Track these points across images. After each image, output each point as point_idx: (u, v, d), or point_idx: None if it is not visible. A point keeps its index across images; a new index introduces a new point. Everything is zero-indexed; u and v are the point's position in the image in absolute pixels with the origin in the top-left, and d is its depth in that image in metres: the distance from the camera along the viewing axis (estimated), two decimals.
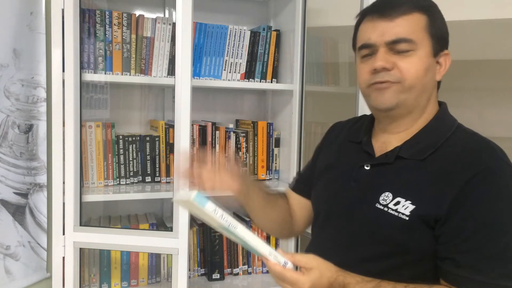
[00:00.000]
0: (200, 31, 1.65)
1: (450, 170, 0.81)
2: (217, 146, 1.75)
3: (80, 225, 1.42)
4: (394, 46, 0.85)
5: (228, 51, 1.69)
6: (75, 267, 1.41)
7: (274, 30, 1.77)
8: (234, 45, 1.70)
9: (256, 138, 1.81)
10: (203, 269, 1.76)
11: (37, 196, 1.47)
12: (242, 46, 1.71)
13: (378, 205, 0.86)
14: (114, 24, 1.52)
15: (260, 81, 1.76)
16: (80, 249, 1.44)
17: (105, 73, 1.53)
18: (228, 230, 0.81)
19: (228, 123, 1.81)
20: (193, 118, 1.39)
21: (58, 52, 1.35)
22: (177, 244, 1.37)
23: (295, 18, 1.70)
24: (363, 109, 1.47)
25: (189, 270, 1.67)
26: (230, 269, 1.79)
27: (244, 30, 1.71)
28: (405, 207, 0.82)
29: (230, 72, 1.71)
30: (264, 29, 1.74)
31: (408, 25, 0.84)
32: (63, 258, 1.40)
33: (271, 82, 1.78)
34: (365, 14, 0.90)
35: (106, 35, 1.52)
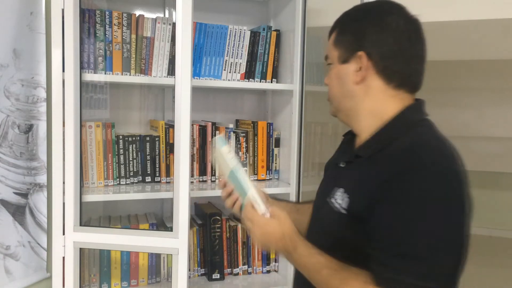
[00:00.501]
0: (200, 31, 1.65)
1: (378, 169, 0.83)
2: None
3: (80, 225, 1.42)
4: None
5: (228, 51, 1.69)
6: (75, 267, 1.41)
7: (274, 30, 1.77)
8: (234, 45, 1.70)
9: (256, 138, 1.82)
10: (203, 269, 1.76)
11: (37, 196, 1.47)
12: (242, 46, 1.71)
13: (328, 199, 0.93)
14: (114, 24, 1.52)
15: (260, 81, 1.76)
16: (80, 249, 1.44)
17: (105, 73, 1.53)
18: (232, 172, 0.99)
19: (228, 123, 1.81)
20: (193, 118, 1.39)
21: (58, 52, 1.35)
22: (177, 244, 1.37)
23: (295, 18, 1.70)
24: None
25: (189, 270, 1.67)
26: (230, 269, 1.79)
27: (244, 30, 1.71)
28: (346, 202, 0.88)
29: (230, 72, 1.71)
30: (264, 29, 1.74)
31: (328, 44, 0.98)
32: (63, 258, 1.40)
33: (271, 82, 1.78)
34: None
35: (106, 35, 1.52)
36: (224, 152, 1.00)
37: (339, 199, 0.90)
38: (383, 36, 0.89)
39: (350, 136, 1.03)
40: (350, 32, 0.93)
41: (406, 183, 0.78)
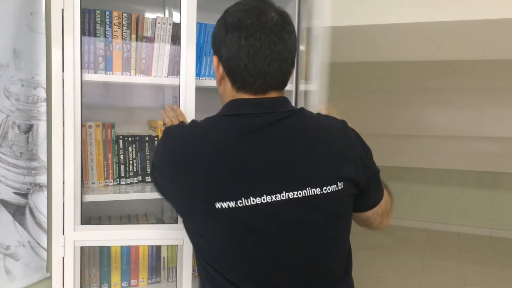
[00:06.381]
0: (200, 31, 1.65)
1: None
2: None
3: (80, 225, 1.42)
4: None
5: None
6: (75, 267, 1.41)
7: None
8: None
9: None
10: None
11: (37, 196, 1.47)
12: None
13: None
14: (114, 24, 1.52)
15: None
16: (81, 248, 1.44)
17: (105, 73, 1.53)
18: None
19: None
20: (192, 118, 1.39)
21: (58, 52, 1.35)
22: (181, 234, 1.37)
23: (295, 18, 1.69)
24: None
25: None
26: None
27: None
28: None
29: None
30: None
31: None
32: (63, 258, 1.40)
33: None
34: None
35: (106, 35, 1.52)
36: None
37: None
38: None
39: None
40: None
41: None
